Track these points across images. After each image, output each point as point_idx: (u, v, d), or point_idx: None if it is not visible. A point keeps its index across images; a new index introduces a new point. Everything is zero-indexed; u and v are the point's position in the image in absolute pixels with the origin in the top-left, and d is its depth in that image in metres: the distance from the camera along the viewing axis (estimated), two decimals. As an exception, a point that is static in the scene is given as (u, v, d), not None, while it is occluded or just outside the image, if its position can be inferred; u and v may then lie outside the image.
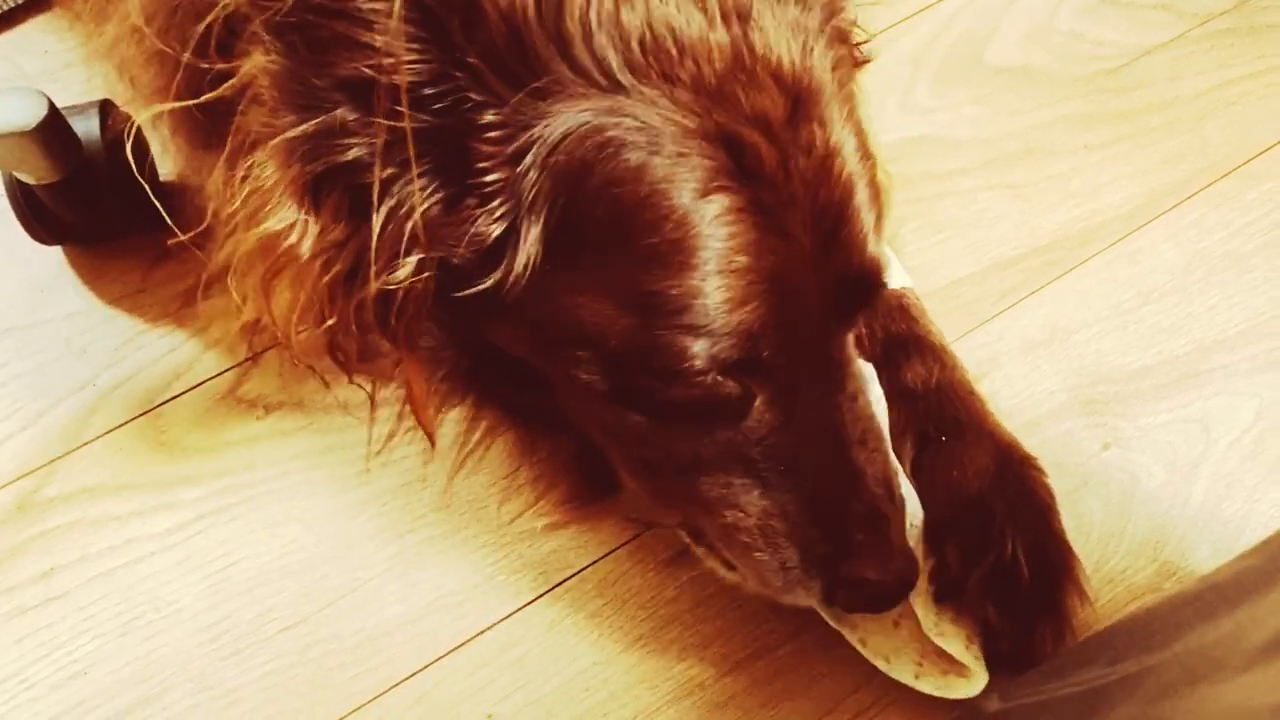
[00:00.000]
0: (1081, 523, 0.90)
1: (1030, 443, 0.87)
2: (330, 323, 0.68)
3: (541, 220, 0.63)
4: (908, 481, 0.83)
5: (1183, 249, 1.05)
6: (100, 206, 0.95)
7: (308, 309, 0.68)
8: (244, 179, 0.65)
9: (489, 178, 0.63)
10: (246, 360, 0.94)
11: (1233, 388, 0.97)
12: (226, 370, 0.94)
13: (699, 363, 0.65)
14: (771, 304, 0.65)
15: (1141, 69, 1.16)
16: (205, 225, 0.92)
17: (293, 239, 0.65)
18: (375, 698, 0.82)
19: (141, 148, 1.00)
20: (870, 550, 0.72)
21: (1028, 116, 1.12)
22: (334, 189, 0.64)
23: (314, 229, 0.65)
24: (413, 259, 0.64)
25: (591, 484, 0.89)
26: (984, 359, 0.98)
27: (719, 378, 0.67)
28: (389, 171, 0.62)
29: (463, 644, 0.84)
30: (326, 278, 0.66)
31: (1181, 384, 0.97)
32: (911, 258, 1.02)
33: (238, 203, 0.66)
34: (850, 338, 0.72)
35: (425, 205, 0.63)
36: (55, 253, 0.99)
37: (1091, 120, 1.12)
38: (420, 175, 0.62)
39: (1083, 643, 0.69)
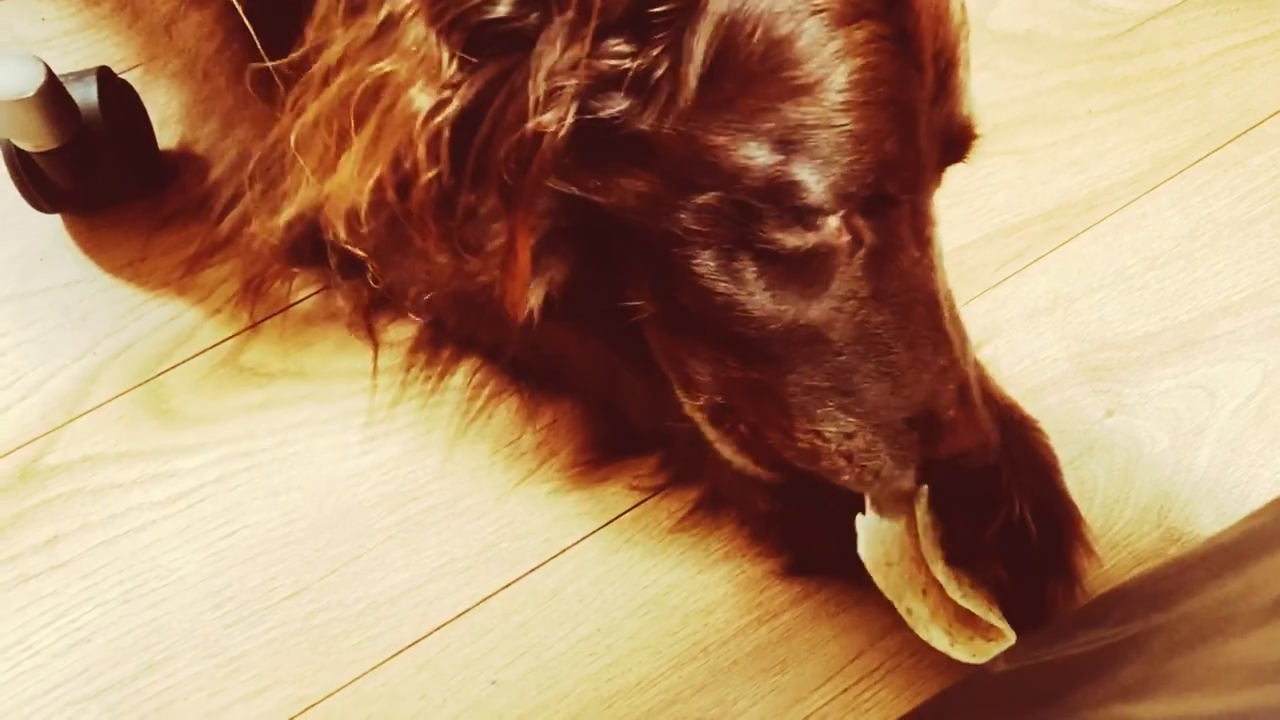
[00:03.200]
0: (1085, 489, 0.90)
1: (1033, 409, 0.87)
2: (430, 175, 0.64)
3: (700, 56, 0.63)
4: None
5: (1188, 215, 1.04)
6: (99, 174, 0.94)
7: (398, 165, 0.64)
8: (346, 22, 0.62)
9: (655, 12, 0.62)
10: (247, 328, 0.94)
11: (1238, 353, 0.97)
12: (227, 339, 0.94)
13: (827, 199, 0.65)
14: (902, 137, 0.65)
15: (1146, 34, 1.15)
16: (208, 185, 0.93)
17: (406, 74, 0.61)
18: (379, 664, 0.82)
19: (141, 116, 0.99)
20: (962, 423, 0.72)
21: (1031, 82, 1.12)
22: (464, 26, 0.61)
23: (438, 65, 0.61)
24: (569, 91, 0.62)
25: (595, 450, 0.89)
26: (987, 326, 0.97)
27: (838, 222, 0.67)
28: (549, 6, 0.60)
29: (466, 611, 0.84)
30: (435, 122, 0.62)
31: (1186, 350, 0.97)
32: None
33: (344, 40, 0.62)
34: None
35: (584, 44, 0.61)
36: (54, 221, 0.98)
37: (1096, 86, 1.12)
38: (578, 11, 0.60)
39: (1090, 604, 0.69)
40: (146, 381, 0.92)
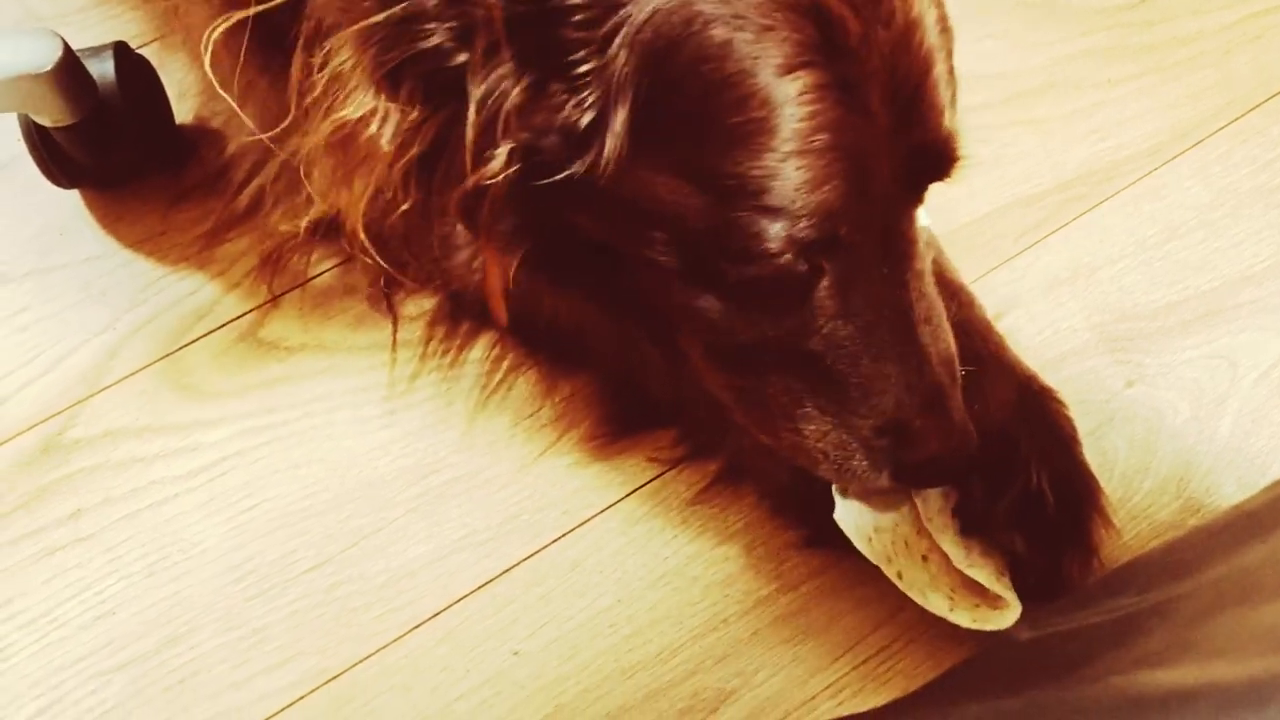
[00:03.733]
0: (1106, 460, 0.89)
1: (1053, 380, 0.86)
2: (405, 208, 0.68)
3: (629, 103, 0.62)
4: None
5: (1209, 184, 1.04)
6: (117, 149, 0.94)
7: (380, 196, 0.68)
8: (320, 66, 0.64)
9: (579, 63, 0.62)
10: (267, 302, 0.94)
11: (1259, 323, 0.97)
12: (248, 312, 0.94)
13: (775, 244, 0.64)
14: (850, 182, 0.64)
15: (1165, 2, 1.14)
16: (226, 159, 0.93)
17: (372, 127, 0.64)
18: (401, 636, 0.83)
19: (158, 90, 0.99)
20: (931, 431, 0.73)
21: (1050, 50, 1.11)
22: (412, 75, 0.63)
23: (393, 114, 0.64)
24: (503, 150, 0.63)
25: (615, 422, 0.89)
26: (1006, 297, 0.97)
27: (792, 258, 0.66)
28: (475, 59, 0.61)
29: (487, 583, 0.85)
30: (402, 162, 0.66)
31: (1207, 320, 0.96)
32: (932, 195, 1.01)
33: (317, 90, 0.65)
34: (917, 213, 0.72)
35: (515, 94, 0.62)
36: (73, 196, 0.98)
37: (1115, 54, 1.11)
38: (510, 62, 0.61)
39: (1114, 572, 0.69)
40: (167, 356, 0.93)
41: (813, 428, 0.74)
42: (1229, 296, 0.98)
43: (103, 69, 0.93)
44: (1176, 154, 1.05)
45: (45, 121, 0.90)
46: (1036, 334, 0.95)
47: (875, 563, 0.79)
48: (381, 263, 0.78)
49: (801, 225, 0.64)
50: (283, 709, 0.81)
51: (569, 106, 0.63)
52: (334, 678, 0.82)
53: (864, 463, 0.75)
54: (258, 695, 0.81)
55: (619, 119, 0.63)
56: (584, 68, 0.62)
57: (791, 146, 0.62)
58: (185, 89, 1.01)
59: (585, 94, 0.63)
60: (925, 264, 0.73)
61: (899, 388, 0.72)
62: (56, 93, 0.87)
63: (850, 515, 0.79)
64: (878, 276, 0.70)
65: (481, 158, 0.64)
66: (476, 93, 0.63)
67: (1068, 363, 0.94)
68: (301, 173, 0.74)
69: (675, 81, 0.62)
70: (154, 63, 1.00)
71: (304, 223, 0.79)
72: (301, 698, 0.81)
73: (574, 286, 0.80)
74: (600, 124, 0.63)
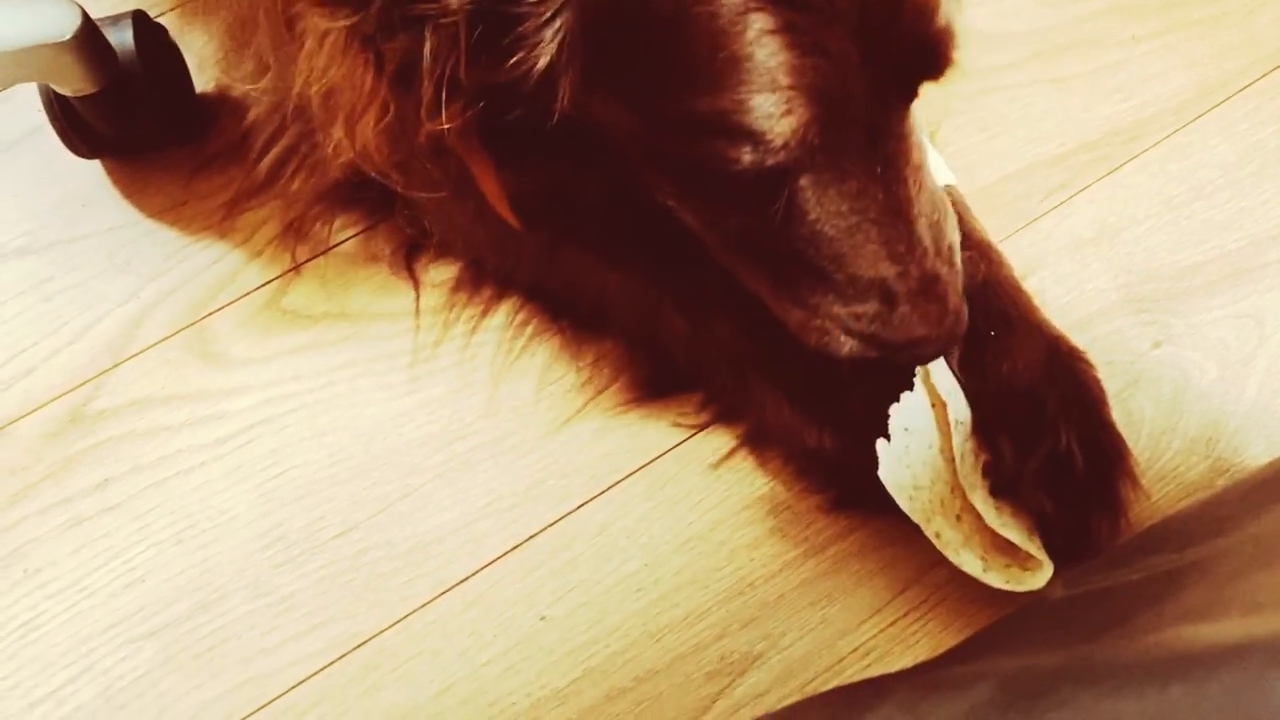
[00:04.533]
0: (1132, 421, 0.89)
1: (1080, 341, 0.86)
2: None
3: (581, 47, 0.63)
4: (954, 379, 0.82)
5: (1235, 143, 1.03)
6: (138, 118, 0.94)
7: (384, 131, 0.69)
8: (301, 33, 0.66)
9: (530, 8, 0.62)
10: (290, 270, 0.94)
11: (1286, 282, 0.96)
12: (270, 281, 0.94)
13: (747, 165, 0.65)
14: (821, 101, 0.64)
15: (1190, -42, 1.13)
16: (246, 127, 0.93)
17: (357, 79, 0.66)
18: (429, 602, 0.83)
19: (177, 59, 0.99)
20: (921, 316, 0.74)
21: (1074, 7, 1.09)
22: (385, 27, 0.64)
23: (372, 67, 0.65)
24: (457, 103, 0.65)
25: (639, 387, 0.89)
26: (1032, 258, 0.96)
27: (765, 172, 0.66)
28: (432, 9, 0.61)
29: (514, 548, 0.85)
30: (384, 121, 0.68)
31: (1234, 279, 0.96)
32: (956, 156, 1.01)
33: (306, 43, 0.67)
34: (913, 110, 0.71)
35: (468, 44, 0.62)
36: (94, 166, 0.98)
37: (1139, 11, 1.10)
38: (463, 12, 0.61)
39: (1148, 530, 0.69)
40: (191, 325, 0.93)
41: (814, 300, 0.75)
42: (1255, 255, 0.97)
43: (122, 38, 0.92)
44: (1202, 112, 1.04)
45: (66, 91, 0.90)
46: (1062, 295, 0.95)
47: (916, 521, 0.79)
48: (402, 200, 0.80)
49: (773, 147, 0.64)
50: (312, 674, 0.81)
51: (523, 53, 0.63)
52: (363, 643, 0.82)
53: (852, 340, 0.76)
54: (287, 661, 0.82)
55: (571, 62, 0.63)
56: (534, 10, 0.62)
57: (751, 84, 0.62)
58: (205, 58, 1.01)
59: (537, 38, 0.62)
60: (923, 161, 0.72)
61: (892, 276, 0.72)
62: (77, 62, 0.87)
63: (893, 473, 0.79)
64: (867, 174, 0.69)
65: (439, 105, 0.65)
66: (429, 44, 0.63)
67: (1094, 324, 0.94)
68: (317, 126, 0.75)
69: (625, 26, 0.62)
70: (172, 32, 0.99)
71: (331, 175, 0.81)
72: (331, 663, 0.82)
73: (585, 235, 0.83)
74: (554, 68, 0.64)
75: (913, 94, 0.70)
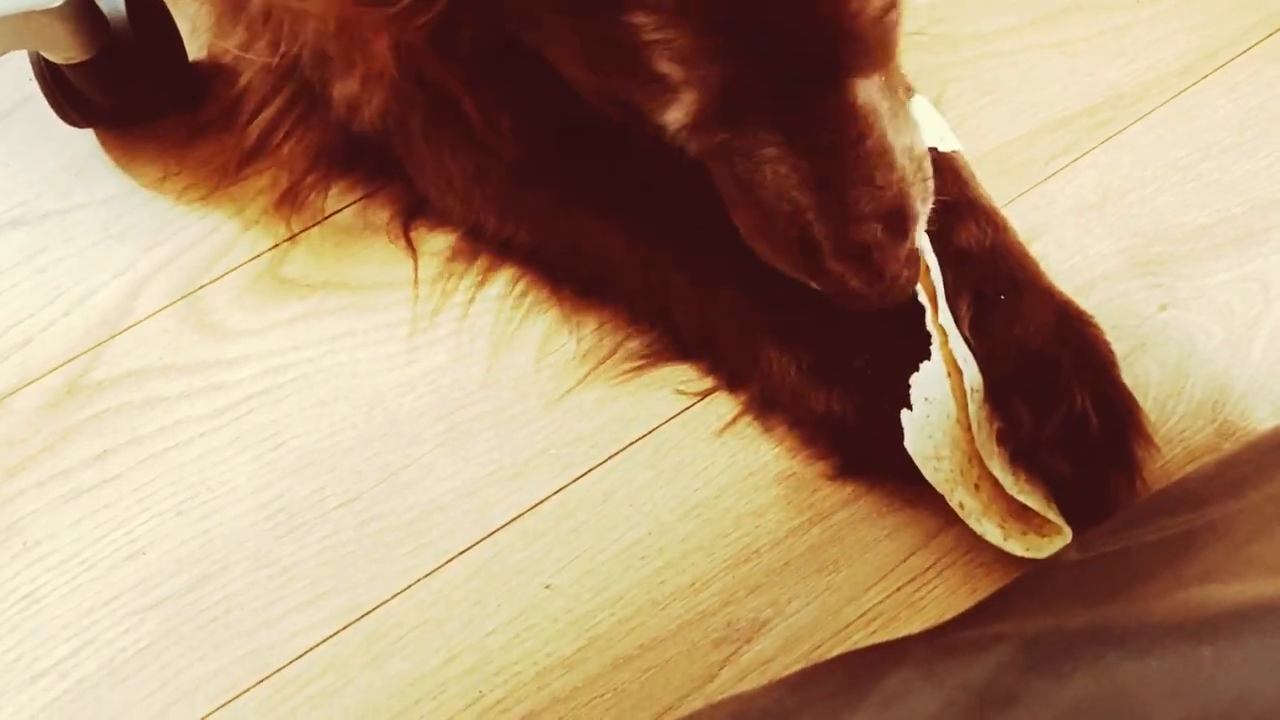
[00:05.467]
0: (1138, 384, 0.88)
1: (1085, 305, 0.85)
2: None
3: None
4: (965, 346, 0.81)
5: (1239, 104, 1.02)
6: (130, 86, 0.93)
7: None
8: None
9: None
10: (286, 240, 0.93)
11: (1292, 245, 0.95)
12: (267, 250, 0.93)
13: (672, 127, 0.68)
14: (708, 101, 0.66)
15: (1193, -81, 1.12)
16: (238, 93, 0.92)
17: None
18: (433, 571, 0.83)
19: (170, 27, 0.98)
20: (852, 275, 0.75)
21: (1076, -29, 1.09)
22: None
23: None
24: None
25: (641, 354, 0.89)
26: (1035, 223, 0.95)
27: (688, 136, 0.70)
28: None
29: (518, 517, 0.84)
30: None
31: (1240, 242, 0.95)
32: (959, 121, 1.00)
33: None
34: (864, 82, 0.71)
35: None
36: (87, 136, 0.97)
37: (1142, -27, 1.09)
38: None
39: (1163, 491, 0.68)
40: (188, 295, 0.92)
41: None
42: (1261, 218, 0.96)
43: (114, 4, 0.91)
44: (1205, 74, 1.04)
45: (57, 59, 0.89)
46: (1067, 260, 0.94)
47: (941, 492, 0.79)
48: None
49: (667, 129, 0.68)
50: (316, 645, 0.81)
51: None
52: (366, 614, 0.82)
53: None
54: (290, 632, 0.81)
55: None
56: None
57: (644, 66, 0.65)
58: (197, 24, 1.00)
59: None
60: (872, 126, 0.72)
61: (817, 236, 0.74)
62: (68, 28, 0.86)
63: (917, 444, 0.78)
64: (807, 145, 0.70)
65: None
66: None
67: (1098, 288, 0.93)
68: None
69: None
70: (164, -2, 0.98)
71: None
72: (334, 634, 0.81)
73: (587, 194, 0.84)
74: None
75: (842, 78, 0.69)
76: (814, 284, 0.78)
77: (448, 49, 0.73)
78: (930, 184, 0.78)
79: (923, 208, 0.77)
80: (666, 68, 0.65)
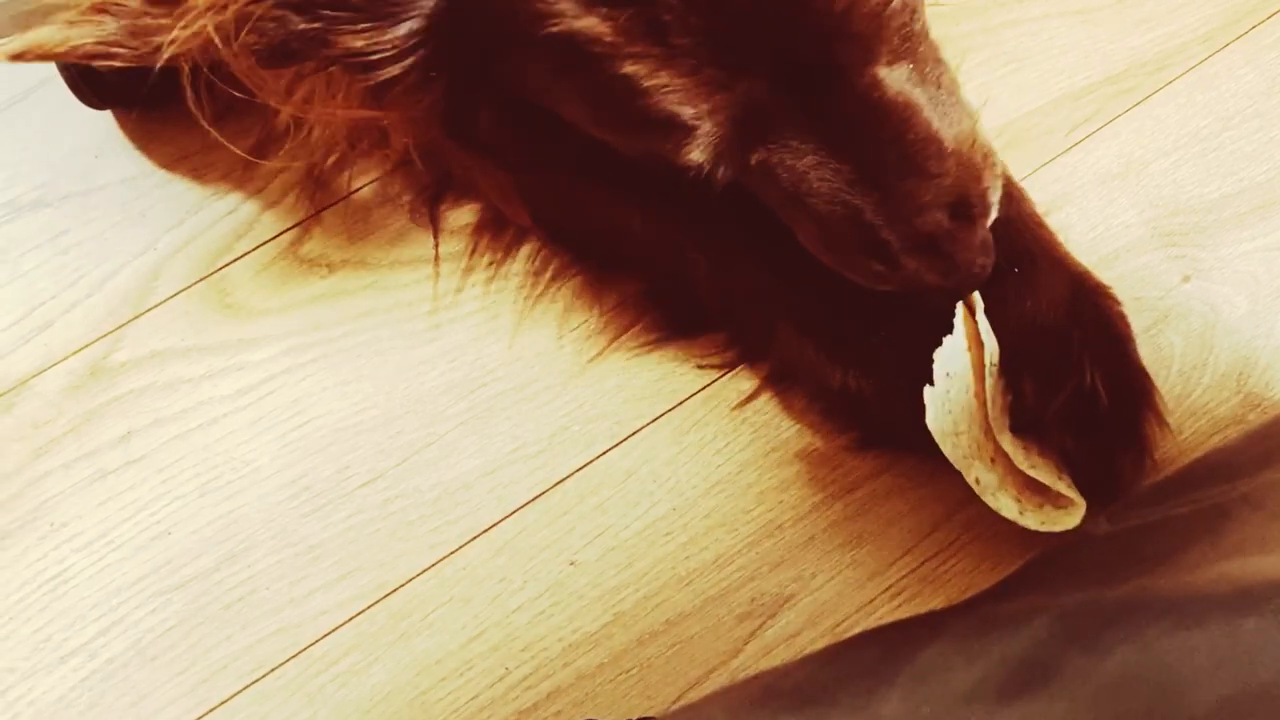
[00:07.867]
0: (1162, 356, 0.88)
1: (1108, 277, 0.85)
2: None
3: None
4: (986, 321, 0.81)
5: (1262, 71, 1.01)
6: (147, 69, 0.93)
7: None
8: None
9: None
10: (307, 219, 0.93)
11: (1317, 213, 0.94)
12: (287, 230, 0.93)
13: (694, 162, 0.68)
14: (723, 131, 0.66)
15: (1215, -116, 1.10)
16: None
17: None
18: (458, 548, 0.83)
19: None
20: (928, 268, 0.74)
21: (1098, -61, 1.07)
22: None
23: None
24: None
25: (662, 329, 0.89)
26: (1057, 194, 0.95)
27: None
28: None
29: (542, 493, 0.84)
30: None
31: (1263, 211, 0.94)
32: (979, 91, 0.99)
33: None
34: (888, 75, 0.70)
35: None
36: (106, 118, 0.97)
37: (1164, -59, 1.07)
38: None
39: (1194, 463, 0.68)
40: (208, 276, 0.92)
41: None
42: (1285, 187, 0.95)
43: (130, -16, 0.91)
44: (1228, 41, 1.02)
45: (75, 39, 0.88)
46: (1089, 230, 0.93)
47: (959, 469, 0.79)
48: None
49: (689, 166, 0.68)
50: (342, 624, 0.81)
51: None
52: (392, 592, 0.82)
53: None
54: (316, 611, 0.81)
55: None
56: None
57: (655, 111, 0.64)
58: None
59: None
60: (917, 119, 0.71)
61: (884, 234, 0.73)
62: (86, 9, 0.85)
63: (937, 420, 0.78)
64: (825, 147, 0.70)
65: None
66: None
67: (1121, 259, 0.92)
68: None
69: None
70: (181, -23, 0.98)
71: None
72: (360, 612, 0.81)
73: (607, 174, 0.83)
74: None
75: (846, 78, 0.69)
76: (891, 287, 0.76)
77: (463, 130, 0.75)
78: (999, 169, 0.77)
79: (993, 195, 0.76)
80: (674, 109, 0.64)
